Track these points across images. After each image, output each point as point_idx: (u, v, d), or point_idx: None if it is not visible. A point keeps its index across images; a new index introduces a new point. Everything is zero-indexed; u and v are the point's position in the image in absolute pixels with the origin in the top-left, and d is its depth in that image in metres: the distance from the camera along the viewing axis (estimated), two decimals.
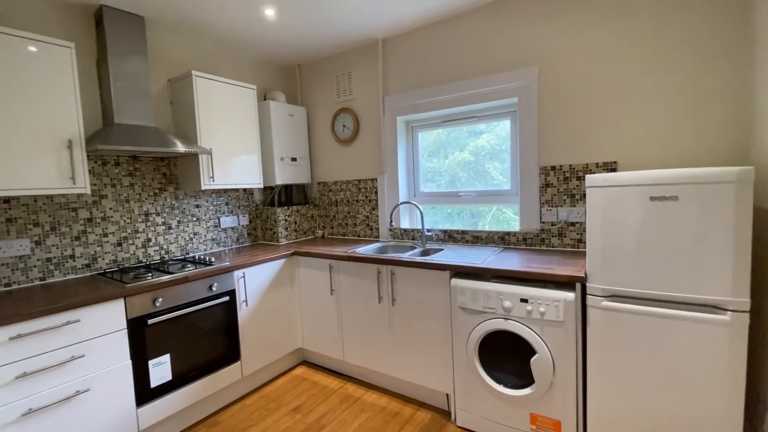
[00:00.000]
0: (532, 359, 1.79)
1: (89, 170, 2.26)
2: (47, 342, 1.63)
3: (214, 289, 2.26)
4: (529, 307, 1.78)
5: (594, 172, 2.16)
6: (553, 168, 2.28)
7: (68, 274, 2.18)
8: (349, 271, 2.49)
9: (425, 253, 2.63)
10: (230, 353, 2.37)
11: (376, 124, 2.99)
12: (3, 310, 1.60)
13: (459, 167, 2.84)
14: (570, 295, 1.71)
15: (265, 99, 3.16)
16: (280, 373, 2.76)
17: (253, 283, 2.51)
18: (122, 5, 2.20)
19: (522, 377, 1.85)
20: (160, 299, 2.01)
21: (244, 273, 2.45)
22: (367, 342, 2.46)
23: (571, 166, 2.23)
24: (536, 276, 1.80)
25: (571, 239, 2.26)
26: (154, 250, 2.57)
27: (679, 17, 1.88)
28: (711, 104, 1.85)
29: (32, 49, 1.80)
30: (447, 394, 2.22)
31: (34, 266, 2.06)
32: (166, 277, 2.06)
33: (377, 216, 3.05)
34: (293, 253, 2.76)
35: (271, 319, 2.64)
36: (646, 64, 1.97)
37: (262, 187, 2.98)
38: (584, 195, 2.20)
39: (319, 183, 3.40)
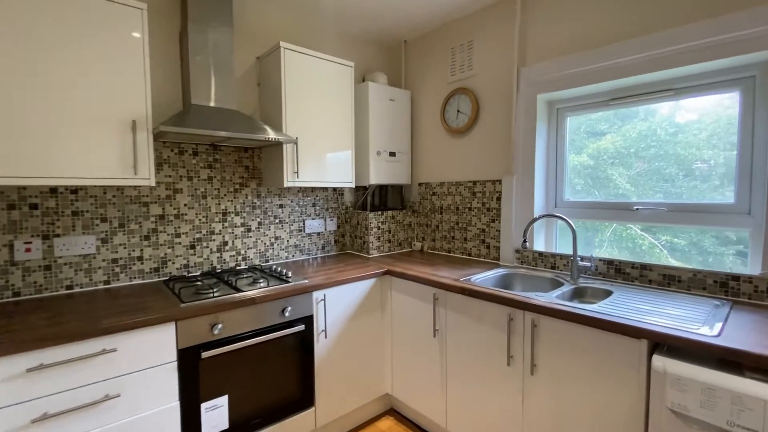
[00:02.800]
0: None
1: (165, 159, 1.96)
2: (75, 375, 1.26)
3: (287, 314, 1.76)
4: None
5: None
6: None
7: (134, 278, 1.89)
8: (463, 309, 1.78)
9: (578, 294, 1.77)
10: (303, 397, 1.85)
11: (504, 107, 2.22)
12: (28, 329, 1.27)
13: (607, 165, 1.90)
14: None
15: (363, 81, 2.62)
16: (361, 424, 2.17)
17: (335, 307, 1.97)
18: None
19: None
20: (220, 325, 1.56)
21: (324, 295, 1.91)
22: (486, 419, 1.71)
23: None
24: None
25: None
26: (230, 255, 2.19)
27: None
28: None
29: (97, 7, 1.49)
30: None
31: (99, 267, 1.80)
32: (228, 297, 1.61)
33: (498, 231, 2.28)
34: (386, 272, 2.15)
35: (355, 355, 2.06)
36: None
37: (354, 186, 2.44)
38: None
39: (420, 184, 2.76)
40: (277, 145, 2.09)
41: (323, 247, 2.61)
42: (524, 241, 1.90)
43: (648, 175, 1.85)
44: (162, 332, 1.44)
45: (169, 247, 1.98)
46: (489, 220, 2.32)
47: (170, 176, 1.98)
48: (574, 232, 1.83)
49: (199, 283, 1.82)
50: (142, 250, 1.91)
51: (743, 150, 1.58)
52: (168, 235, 1.98)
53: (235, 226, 2.20)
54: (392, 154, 2.61)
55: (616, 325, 1.26)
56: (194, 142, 2.00)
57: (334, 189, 2.65)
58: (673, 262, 1.76)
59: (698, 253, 1.73)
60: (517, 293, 1.61)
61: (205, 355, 1.52)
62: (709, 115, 1.66)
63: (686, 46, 1.58)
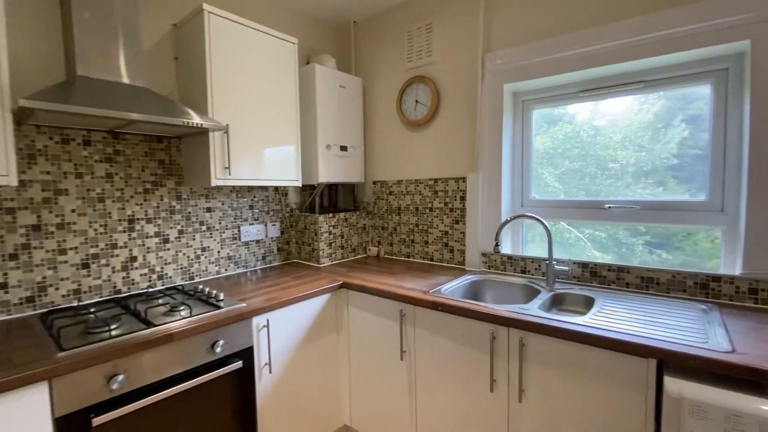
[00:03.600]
0: None
1: (41, 150, 1.45)
2: None
3: (219, 349, 1.37)
4: None
5: None
6: None
7: None
8: (436, 327, 1.53)
9: (557, 302, 1.62)
10: None
11: (468, 98, 2.02)
12: None
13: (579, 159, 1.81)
14: None
15: (307, 64, 2.27)
16: None
17: (281, 333, 1.61)
18: None
19: None
20: (121, 376, 1.14)
21: (267, 320, 1.55)
22: None
23: None
24: None
25: None
26: (141, 275, 1.72)
27: None
28: None
29: None
30: None
31: None
32: (132, 336, 1.19)
33: (463, 233, 2.08)
34: (342, 285, 1.84)
35: (307, 386, 1.73)
36: None
37: (301, 185, 2.08)
38: None
39: (375, 182, 2.48)
40: (202, 134, 1.67)
41: (264, 258, 2.21)
42: (496, 245, 1.71)
43: (572, 173, 1.89)
44: (28, 397, 0.99)
45: (49, 268, 1.48)
46: (452, 222, 2.12)
47: (49, 173, 1.47)
48: (549, 234, 1.67)
49: (91, 316, 1.36)
50: (5, 274, 1.38)
51: (715, 146, 1.53)
52: (48, 252, 1.47)
53: (147, 237, 1.74)
54: (344, 148, 2.29)
55: (621, 343, 1.10)
56: (84, 126, 1.52)
57: (276, 188, 2.26)
58: (651, 264, 1.68)
59: (614, 244, 1.80)
60: (500, 307, 1.41)
61: (98, 421, 1.09)
62: (622, 120, 1.72)
63: (656, 36, 1.49)
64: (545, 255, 1.76)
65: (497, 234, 1.71)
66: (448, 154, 2.11)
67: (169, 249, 1.81)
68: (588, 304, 1.54)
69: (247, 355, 1.47)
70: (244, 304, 1.50)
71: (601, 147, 1.81)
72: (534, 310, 1.37)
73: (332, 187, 2.51)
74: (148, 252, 1.74)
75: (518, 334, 1.31)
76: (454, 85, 2.07)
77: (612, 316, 1.29)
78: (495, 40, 1.91)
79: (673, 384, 1.01)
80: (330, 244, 2.26)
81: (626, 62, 1.59)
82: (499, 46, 1.90)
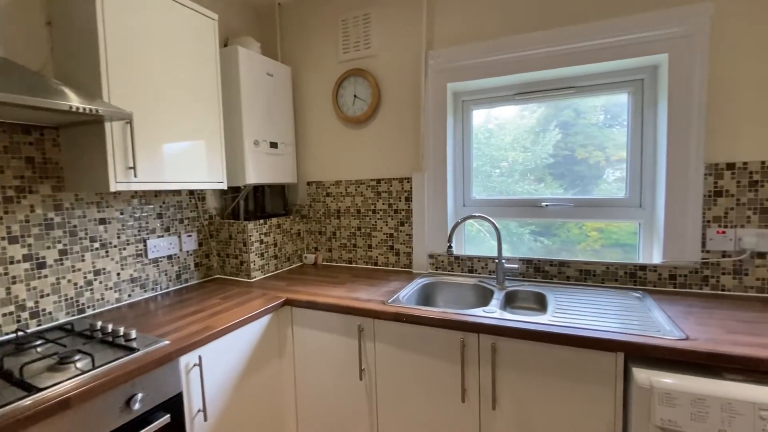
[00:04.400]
0: None
1: None
2: None
3: (136, 405, 1.05)
4: None
5: None
6: (731, 166, 1.44)
7: None
8: (399, 340, 1.42)
9: (510, 299, 1.64)
10: None
11: (412, 95, 1.95)
12: None
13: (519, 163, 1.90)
14: None
15: (226, 46, 1.95)
16: None
17: (217, 371, 1.33)
18: None
19: None
20: None
21: (200, 356, 1.26)
22: None
23: (764, 163, 1.40)
24: None
25: (758, 279, 1.43)
26: (5, 315, 1.26)
27: None
28: None
29: None
30: None
31: None
32: (5, 411, 0.83)
33: (409, 235, 2.01)
34: (284, 303, 1.61)
35: (250, 427, 1.46)
36: None
37: (226, 188, 1.77)
38: None
39: (309, 183, 2.26)
40: (94, 124, 1.28)
41: (179, 276, 1.84)
42: (450, 246, 1.67)
43: (473, 172, 2.02)
44: None
45: None
46: (398, 224, 2.03)
47: None
48: (499, 234, 1.69)
49: None
50: None
51: (633, 148, 1.71)
52: None
53: (12, 262, 1.28)
54: (274, 145, 2.03)
55: (592, 339, 1.12)
56: None
57: (191, 192, 1.90)
58: (587, 258, 1.81)
59: (507, 234, 1.96)
60: (467, 312, 1.35)
61: None
62: (510, 124, 1.88)
63: (587, 45, 1.59)
64: (483, 254, 1.78)
65: (450, 235, 1.67)
66: (392, 154, 2.02)
67: (46, 276, 1.36)
68: (539, 300, 1.59)
69: (175, 405, 1.17)
70: (167, 342, 1.19)
71: (494, 148, 1.99)
72: (500, 313, 1.35)
73: (258, 190, 2.21)
74: (13, 282, 1.28)
75: (489, 339, 1.27)
76: (397, 82, 1.97)
77: (570, 312, 1.33)
78: (438, 38, 1.87)
79: (642, 375, 1.06)
80: (262, 255, 1.99)
81: (559, 68, 1.67)
82: (442, 43, 1.86)
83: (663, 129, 1.54)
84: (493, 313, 1.35)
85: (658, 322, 1.20)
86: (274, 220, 2.08)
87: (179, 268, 1.84)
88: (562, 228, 1.87)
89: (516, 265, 1.70)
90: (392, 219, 2.04)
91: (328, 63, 2.13)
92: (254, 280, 1.93)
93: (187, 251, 1.87)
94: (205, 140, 1.62)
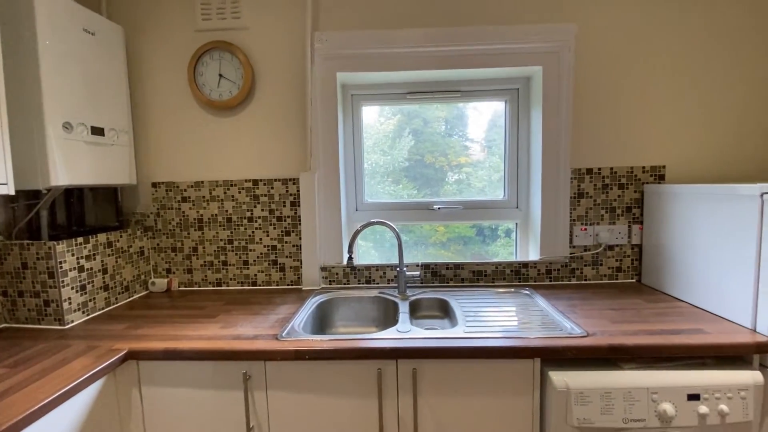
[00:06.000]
0: None
1: None
2: None
3: None
4: (703, 408, 1.04)
5: (640, 179, 1.64)
6: (590, 172, 1.65)
7: None
8: (299, 382, 1.14)
9: (415, 309, 1.54)
10: None
11: (295, 81, 1.66)
12: None
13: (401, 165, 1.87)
14: (758, 377, 1.06)
15: None
16: None
17: None
18: None
19: None
20: None
21: None
22: None
23: (612, 169, 1.65)
24: (699, 350, 1.07)
25: (609, 268, 1.69)
26: None
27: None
28: (757, 99, 1.60)
29: None
30: None
31: None
32: None
33: (296, 246, 1.71)
34: (125, 357, 1.12)
35: None
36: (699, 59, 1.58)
37: (13, 192, 1.15)
38: (627, 209, 1.66)
39: (156, 184, 1.72)
40: None
41: None
42: (350, 257, 1.47)
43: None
44: None
45: None
46: (282, 233, 1.71)
47: None
48: (400, 241, 1.57)
49: None
50: None
51: (510, 154, 1.82)
52: None
53: None
54: (98, 131, 1.45)
55: (511, 349, 1.08)
56: None
57: None
58: (475, 259, 1.85)
59: (371, 232, 1.93)
60: (380, 335, 1.17)
61: None
62: (372, 128, 1.90)
63: (467, 49, 1.61)
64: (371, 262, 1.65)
65: (351, 244, 1.47)
66: (273, 150, 1.68)
67: None
68: (443, 306, 1.54)
69: None
70: None
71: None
72: (415, 331, 1.21)
73: (72, 195, 1.57)
74: None
75: (410, 364, 1.12)
76: (276, 63, 1.65)
77: (479, 319, 1.29)
78: (325, 18, 1.63)
79: (558, 378, 1.07)
80: (83, 288, 1.39)
81: (445, 70, 1.65)
82: (330, 25, 1.63)
83: (537, 136, 1.67)
84: (408, 332, 1.21)
85: (557, 320, 1.26)
86: (102, 236, 1.49)
87: None
88: (416, 225, 1.91)
89: (417, 273, 1.61)
90: (275, 228, 1.71)
91: (179, 30, 1.65)
92: (70, 325, 1.33)
93: None
94: None
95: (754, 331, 1.12)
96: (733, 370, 1.06)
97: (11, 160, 1.14)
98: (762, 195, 1.08)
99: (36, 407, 0.86)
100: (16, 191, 1.23)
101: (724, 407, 1.03)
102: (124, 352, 1.12)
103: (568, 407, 1.05)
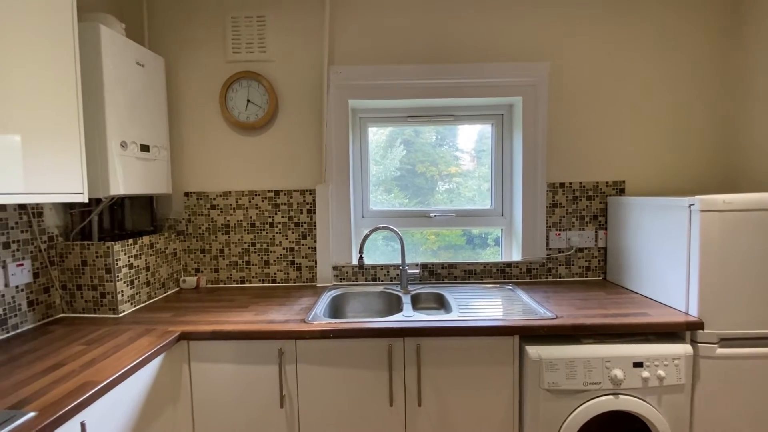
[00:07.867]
0: None
1: None
2: None
3: None
4: (645, 373, 1.32)
5: (604, 192, 1.94)
6: (562, 185, 1.95)
7: None
8: (323, 358, 1.39)
9: (416, 301, 1.80)
10: None
11: (313, 107, 1.93)
12: None
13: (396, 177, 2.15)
14: (688, 349, 1.35)
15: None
16: None
17: None
18: None
19: None
20: None
21: (83, 423, 0.96)
22: None
23: (581, 183, 1.95)
24: (640, 328, 1.35)
25: (580, 267, 1.97)
26: None
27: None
28: (699, 123, 1.92)
29: None
30: None
31: None
32: None
33: (311, 248, 1.97)
34: (179, 338, 1.36)
35: None
36: (653, 81, 1.90)
37: (87, 200, 1.38)
38: (594, 217, 1.95)
39: (188, 194, 1.96)
40: None
41: (3, 323, 1.33)
42: (361, 257, 1.73)
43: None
44: None
45: None
46: (299, 237, 1.96)
47: None
48: (402, 243, 1.84)
49: None
50: None
51: (496, 169, 2.11)
52: None
53: None
54: (145, 148, 1.69)
55: (496, 328, 1.35)
56: None
57: (23, 207, 1.41)
58: (467, 259, 2.12)
59: (368, 242, 2.06)
60: (390, 318, 1.43)
61: None
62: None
63: (458, 82, 1.91)
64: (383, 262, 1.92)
65: (361, 246, 1.73)
66: (292, 165, 1.94)
67: None
68: (439, 299, 1.80)
69: None
70: (31, 414, 0.87)
71: None
72: (417, 315, 1.48)
73: (115, 202, 1.80)
74: None
75: (415, 341, 1.38)
76: (297, 91, 1.92)
77: (470, 308, 1.56)
78: (339, 53, 1.91)
79: (532, 350, 1.34)
80: (132, 283, 1.62)
81: (440, 99, 1.94)
82: (343, 60, 1.91)
83: (519, 155, 1.97)
84: (412, 316, 1.47)
85: (533, 308, 1.54)
86: (146, 239, 1.72)
87: (3, 310, 1.33)
88: (407, 234, 2.10)
89: (417, 271, 1.88)
90: (293, 232, 1.96)
91: (212, 61, 1.91)
92: (123, 314, 1.56)
93: (17, 286, 1.38)
94: (60, 138, 1.24)
95: (687, 313, 1.41)
96: (670, 344, 1.35)
97: (86, 170, 1.37)
98: (690, 206, 1.38)
99: (125, 369, 1.09)
100: (73, 201, 1.46)
101: (661, 372, 1.31)
102: (178, 333, 1.36)
103: (541, 374, 1.32)
